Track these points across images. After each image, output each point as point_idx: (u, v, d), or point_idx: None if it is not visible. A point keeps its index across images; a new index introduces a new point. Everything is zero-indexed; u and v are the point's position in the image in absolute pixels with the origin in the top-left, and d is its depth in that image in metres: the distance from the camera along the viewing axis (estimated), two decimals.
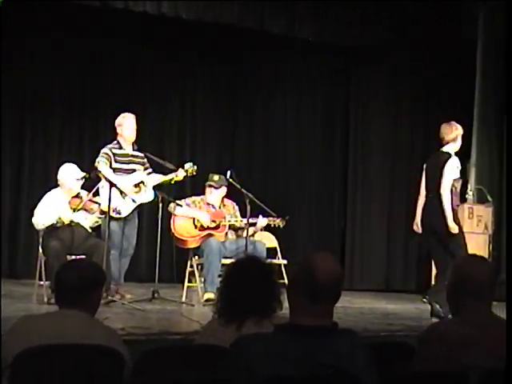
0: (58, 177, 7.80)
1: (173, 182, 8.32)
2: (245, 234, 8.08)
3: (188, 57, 11.11)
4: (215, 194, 8.38)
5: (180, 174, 8.17)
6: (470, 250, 7.65)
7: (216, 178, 8.34)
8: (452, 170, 7.36)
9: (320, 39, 10.23)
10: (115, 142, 8.13)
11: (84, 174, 7.73)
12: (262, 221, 8.22)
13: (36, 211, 7.68)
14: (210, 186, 8.37)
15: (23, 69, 10.15)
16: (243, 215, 8.27)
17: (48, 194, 7.79)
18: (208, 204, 8.36)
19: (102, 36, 10.33)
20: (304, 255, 2.84)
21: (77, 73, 10.55)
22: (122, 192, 7.82)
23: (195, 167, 8.23)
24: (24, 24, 9.71)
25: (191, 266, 8.25)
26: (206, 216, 8.22)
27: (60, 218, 7.51)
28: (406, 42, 10.66)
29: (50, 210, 7.56)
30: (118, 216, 7.88)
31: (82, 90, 10.62)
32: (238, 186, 8.16)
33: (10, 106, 10.11)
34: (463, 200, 9.57)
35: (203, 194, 8.44)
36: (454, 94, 11.30)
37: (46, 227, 7.54)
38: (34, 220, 7.67)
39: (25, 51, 10.13)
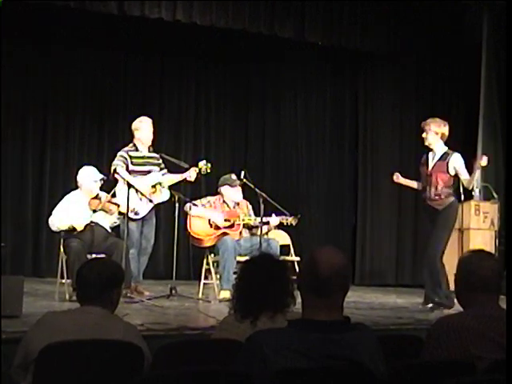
0: (77, 179, 7.83)
1: (185, 181, 8.32)
2: (259, 232, 8.08)
3: (201, 60, 11.14)
4: (239, 191, 8.40)
5: (193, 173, 8.16)
6: (477, 246, 7.66)
7: (234, 176, 8.35)
8: None
9: (329, 43, 10.21)
10: (131, 144, 8.16)
11: (102, 176, 7.75)
12: (275, 219, 8.22)
13: (54, 212, 7.70)
14: (234, 185, 8.34)
15: (45, 72, 10.21)
16: (257, 214, 8.28)
17: (68, 196, 7.81)
18: (224, 202, 8.36)
19: (119, 41, 10.37)
20: (310, 251, 2.85)
21: (96, 76, 10.61)
22: (138, 192, 7.84)
23: (209, 165, 8.22)
24: (45, 29, 9.80)
25: (207, 264, 8.26)
26: (221, 217, 8.22)
27: (72, 226, 7.52)
28: (413, 43, 10.63)
29: (66, 215, 7.57)
30: (136, 217, 7.91)
31: (101, 93, 10.66)
32: (252, 186, 8.17)
33: (32, 109, 10.19)
34: (470, 197, 9.55)
35: (218, 194, 8.44)
36: (459, 94, 11.27)
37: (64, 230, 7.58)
38: (49, 220, 7.69)
39: (48, 55, 10.19)
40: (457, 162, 7.66)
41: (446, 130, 7.75)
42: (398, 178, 8.15)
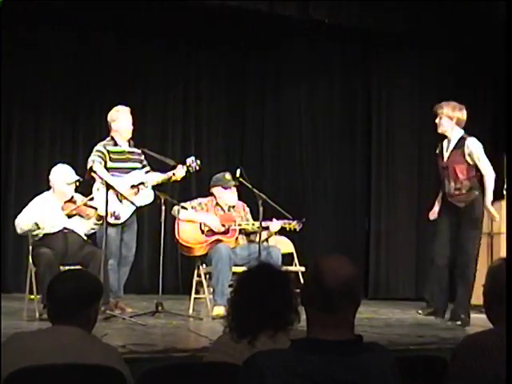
0: (50, 178, 7.81)
1: (171, 181, 8.32)
2: (257, 239, 8.08)
3: (191, 44, 11.14)
4: (235, 194, 8.39)
5: (180, 172, 8.16)
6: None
7: (229, 176, 8.34)
8: None
9: (337, 21, 10.21)
10: (109, 138, 8.17)
11: (77, 177, 7.70)
12: (276, 224, 8.22)
13: (21, 213, 7.66)
14: (228, 186, 8.33)
15: (9, 61, 10.20)
16: (255, 218, 8.27)
17: (38, 197, 7.78)
18: (217, 205, 8.36)
19: (96, 28, 10.38)
20: (313, 261, 2.84)
21: (70, 65, 10.60)
22: (118, 193, 7.83)
23: (198, 161, 8.23)
24: (13, 18, 9.78)
25: (198, 276, 8.26)
26: (215, 219, 8.23)
27: (37, 225, 7.48)
28: (432, 24, 10.61)
29: (35, 214, 7.54)
30: (116, 222, 7.91)
31: (75, 83, 10.65)
32: (250, 186, 8.16)
33: None
34: (501, 197, 9.54)
35: (210, 195, 8.45)
36: (485, 81, 11.28)
37: (30, 232, 7.54)
38: (15, 221, 7.65)
39: (12, 44, 10.17)
40: (472, 147, 7.58)
41: (461, 114, 7.70)
42: (434, 213, 8.05)
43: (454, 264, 7.77)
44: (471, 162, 7.59)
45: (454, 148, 7.65)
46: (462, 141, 7.62)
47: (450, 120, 7.67)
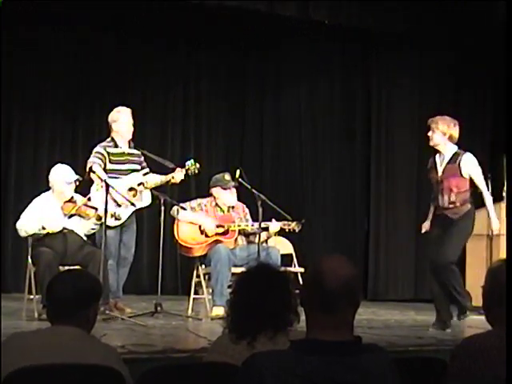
0: (49, 179, 7.81)
1: (170, 183, 8.31)
2: (257, 240, 8.08)
3: (190, 44, 11.14)
4: (234, 194, 8.38)
5: (178, 175, 8.14)
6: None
7: (228, 177, 8.33)
8: None
9: (337, 21, 10.20)
10: (109, 139, 8.15)
11: (77, 177, 7.70)
12: (275, 225, 8.22)
13: (22, 215, 7.66)
14: (227, 187, 8.32)
15: (9, 61, 10.19)
16: (255, 219, 8.27)
17: (38, 198, 7.78)
18: (216, 206, 8.35)
19: (96, 27, 10.37)
20: (313, 261, 2.84)
21: (70, 65, 10.59)
22: (117, 194, 7.81)
23: (197, 165, 8.21)
24: (13, 18, 9.77)
25: (197, 276, 8.25)
26: (212, 223, 8.21)
27: (44, 228, 7.49)
28: (432, 24, 10.60)
29: (37, 216, 7.55)
30: (116, 223, 7.91)
31: (75, 83, 10.64)
32: (249, 187, 8.16)
33: None
34: (499, 198, 9.54)
35: (209, 196, 8.44)
36: (485, 81, 11.27)
37: (34, 235, 7.54)
38: (17, 225, 7.65)
39: (12, 44, 10.16)
40: (469, 164, 7.62)
41: (455, 130, 7.72)
42: (425, 227, 8.05)
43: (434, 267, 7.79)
44: (467, 176, 7.62)
45: (449, 162, 7.67)
46: (456, 156, 7.64)
47: (443, 135, 7.69)
